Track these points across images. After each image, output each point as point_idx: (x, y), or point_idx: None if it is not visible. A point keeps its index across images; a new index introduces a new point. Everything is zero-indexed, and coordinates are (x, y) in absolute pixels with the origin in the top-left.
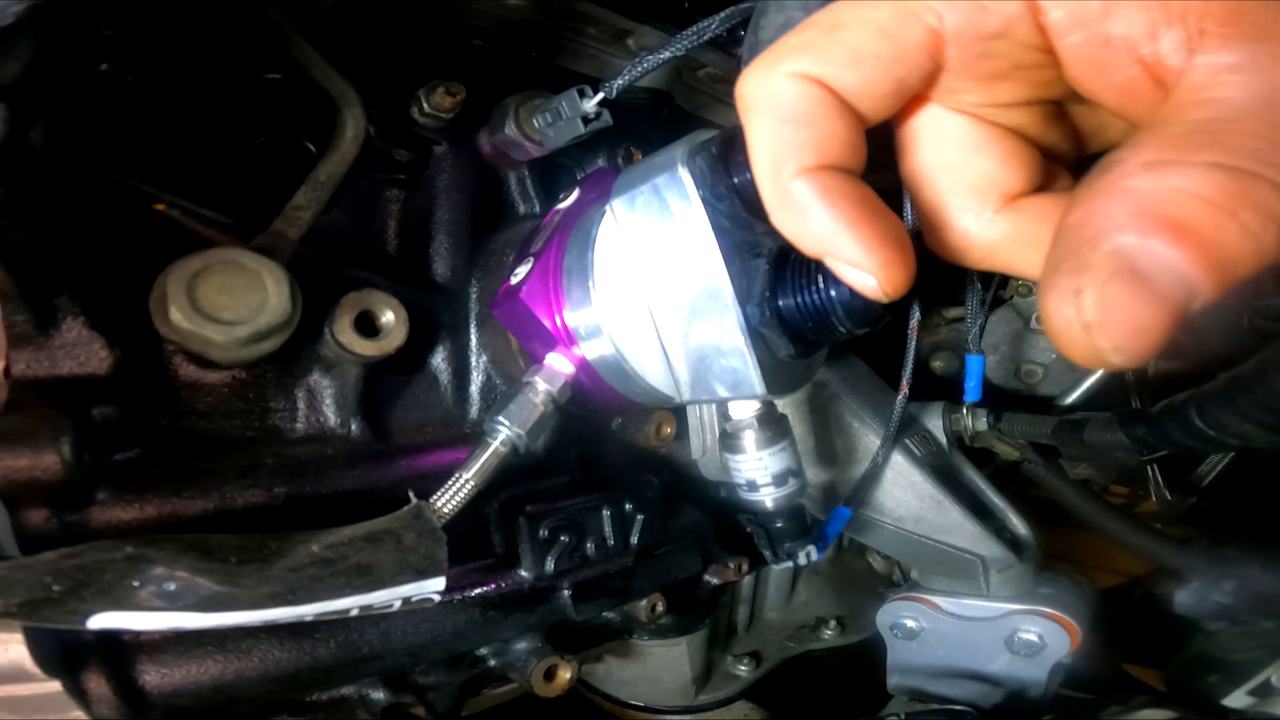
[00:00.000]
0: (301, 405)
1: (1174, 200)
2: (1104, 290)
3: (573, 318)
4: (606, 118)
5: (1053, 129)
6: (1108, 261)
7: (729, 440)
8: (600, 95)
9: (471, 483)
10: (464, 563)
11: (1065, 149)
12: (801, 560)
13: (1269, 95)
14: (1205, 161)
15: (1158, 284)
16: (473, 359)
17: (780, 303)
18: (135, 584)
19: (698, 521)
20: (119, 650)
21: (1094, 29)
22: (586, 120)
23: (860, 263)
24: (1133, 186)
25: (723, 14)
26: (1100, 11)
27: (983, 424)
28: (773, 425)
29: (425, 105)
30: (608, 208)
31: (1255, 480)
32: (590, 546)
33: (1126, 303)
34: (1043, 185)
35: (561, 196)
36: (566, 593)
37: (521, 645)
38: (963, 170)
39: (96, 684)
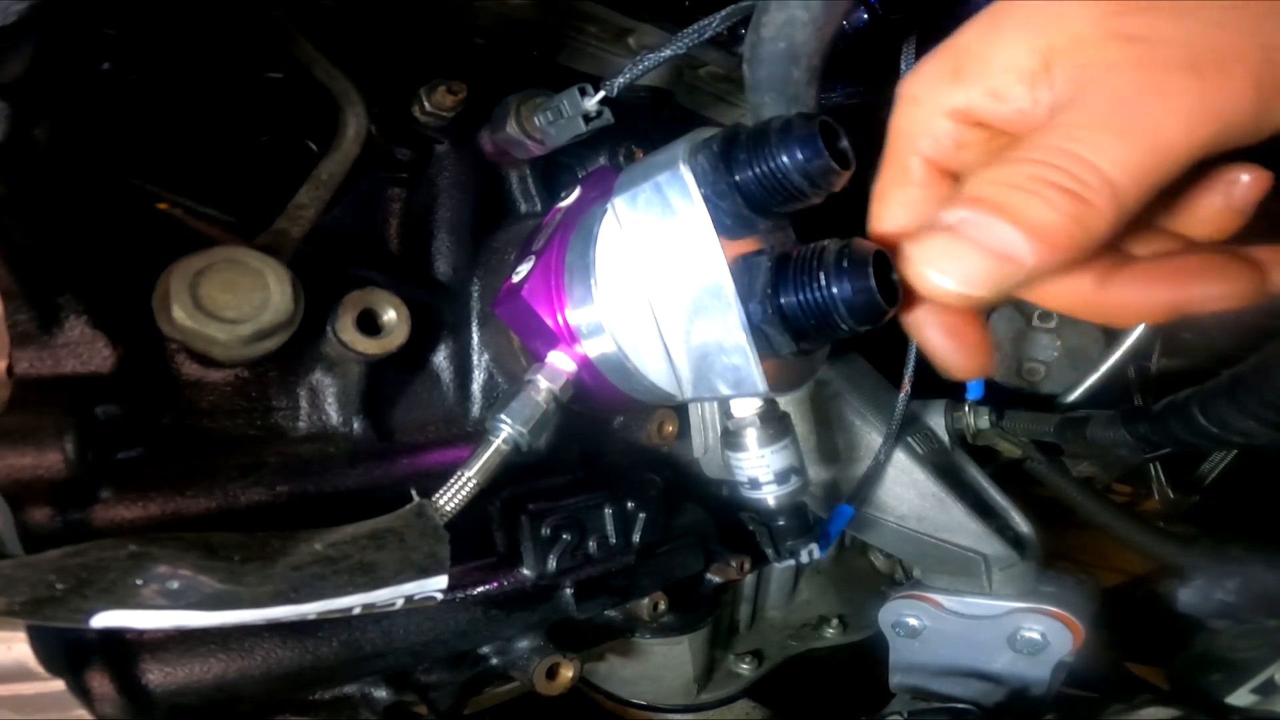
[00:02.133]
0: (304, 404)
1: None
2: (934, 241)
3: (574, 316)
4: (608, 116)
5: None
6: (938, 225)
7: (731, 438)
8: (601, 94)
9: (474, 481)
10: (466, 561)
11: None
12: (804, 558)
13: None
14: (1020, 159)
15: (975, 237)
16: (475, 357)
17: (782, 300)
18: (138, 582)
19: (700, 520)
20: (122, 649)
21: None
22: (588, 119)
23: None
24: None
25: (724, 12)
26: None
27: (985, 422)
28: (775, 423)
29: (427, 104)
30: (609, 206)
31: (1258, 478)
32: (592, 545)
33: (947, 246)
34: None
35: (563, 195)
36: (568, 591)
37: (523, 644)
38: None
39: (100, 683)
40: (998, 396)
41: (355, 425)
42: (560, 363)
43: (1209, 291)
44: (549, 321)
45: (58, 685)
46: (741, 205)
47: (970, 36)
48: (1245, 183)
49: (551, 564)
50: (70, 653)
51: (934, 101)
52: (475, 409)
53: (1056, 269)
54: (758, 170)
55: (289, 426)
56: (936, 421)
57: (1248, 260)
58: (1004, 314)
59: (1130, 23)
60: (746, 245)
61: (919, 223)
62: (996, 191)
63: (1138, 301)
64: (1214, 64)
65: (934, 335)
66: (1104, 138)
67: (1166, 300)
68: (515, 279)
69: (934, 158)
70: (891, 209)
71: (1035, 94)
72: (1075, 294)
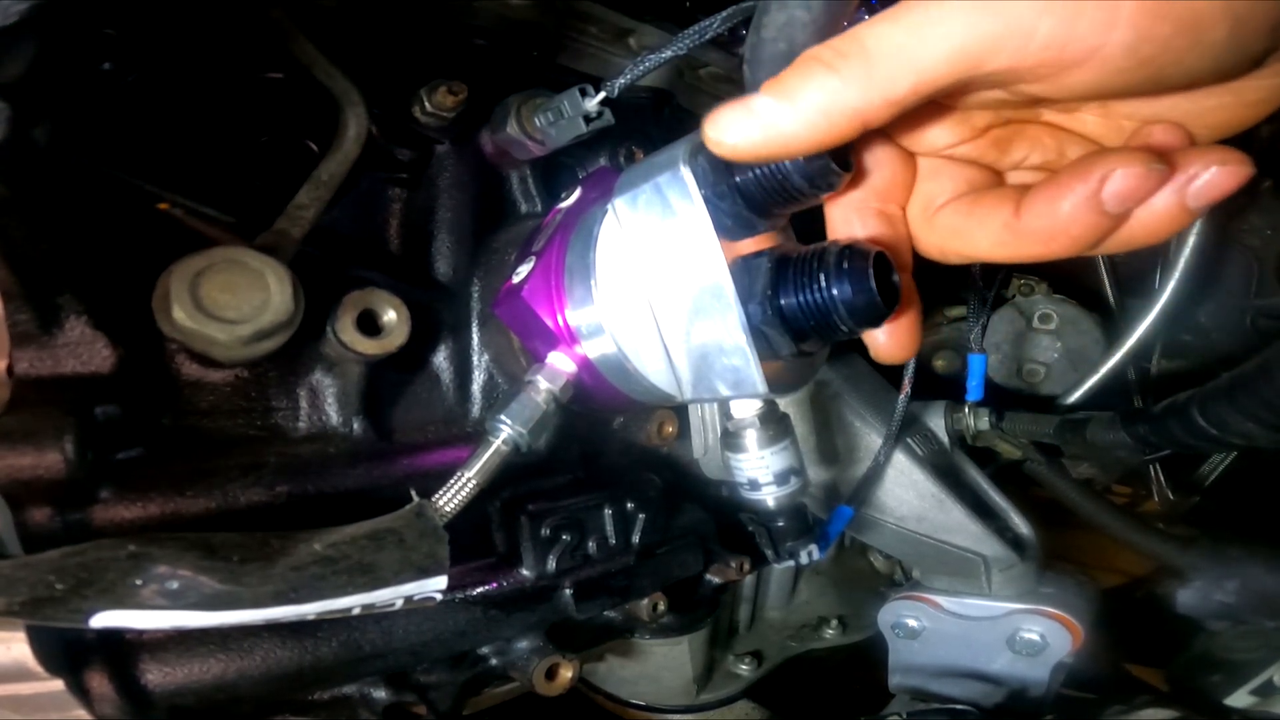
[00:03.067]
0: (304, 404)
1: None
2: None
3: (575, 316)
4: (608, 117)
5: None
6: None
7: (731, 439)
8: (602, 94)
9: (473, 481)
10: (466, 561)
11: None
12: (803, 559)
13: None
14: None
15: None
16: (475, 358)
17: (782, 301)
18: (138, 582)
19: (699, 520)
20: (121, 649)
21: None
22: (588, 119)
23: None
24: None
25: (724, 13)
26: None
27: (985, 423)
28: (774, 424)
29: (427, 104)
30: (609, 207)
31: (1257, 480)
32: (592, 545)
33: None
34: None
35: (563, 195)
36: (568, 591)
37: (523, 644)
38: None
39: (99, 683)
40: (997, 398)
41: (355, 426)
42: (560, 363)
43: (1124, 186)
44: (549, 322)
45: (57, 685)
46: (742, 206)
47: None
48: (1207, 180)
49: (551, 564)
50: (69, 653)
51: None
52: (475, 409)
53: (806, 137)
54: (757, 171)
55: (289, 427)
56: (936, 423)
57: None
58: (1004, 315)
59: None
60: (746, 246)
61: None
62: (787, 80)
63: (1055, 216)
64: None
65: None
66: (889, 28)
67: (1085, 206)
68: (515, 279)
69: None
70: None
71: None
72: (995, 233)
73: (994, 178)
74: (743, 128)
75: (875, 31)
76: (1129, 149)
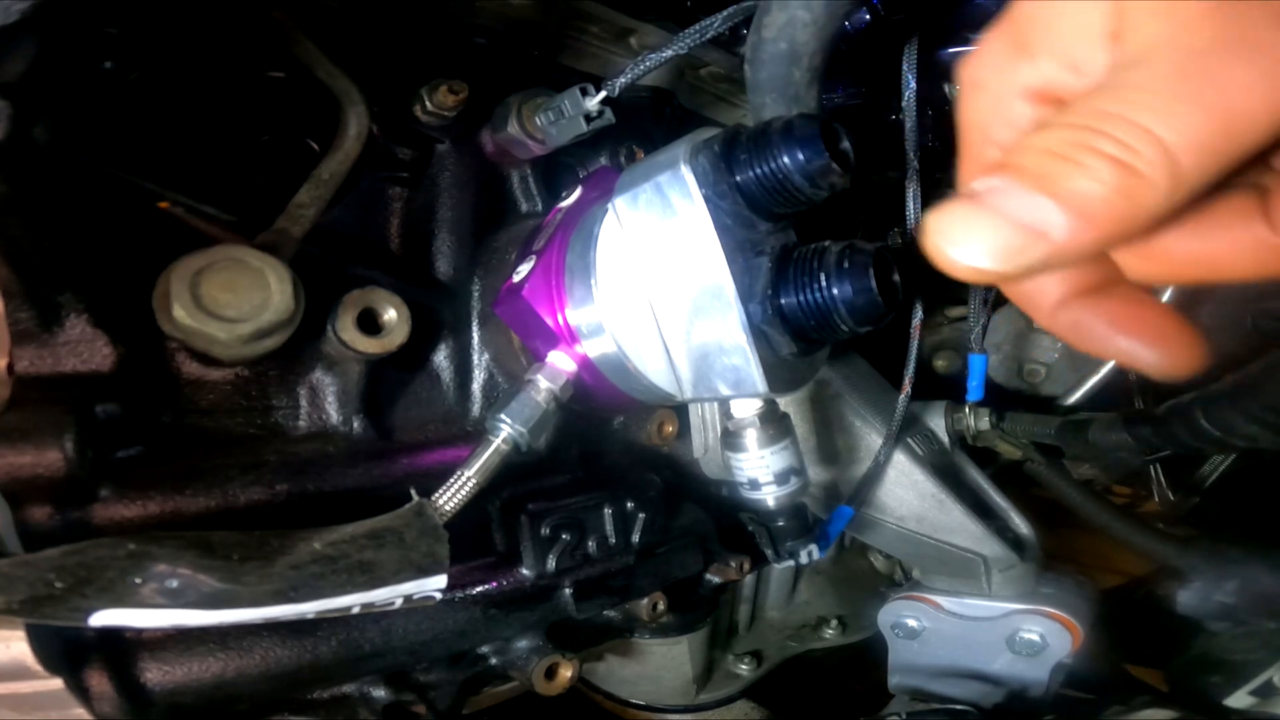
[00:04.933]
0: (304, 403)
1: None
2: (953, 210)
3: (575, 316)
4: (609, 116)
5: None
6: (962, 193)
7: (731, 438)
8: (603, 93)
9: (473, 480)
10: (465, 561)
11: None
12: (803, 559)
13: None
14: (1064, 124)
15: (1001, 207)
16: (475, 357)
17: (783, 301)
18: (137, 581)
19: (699, 520)
20: (121, 647)
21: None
22: (589, 118)
23: None
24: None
25: (725, 12)
26: None
27: (985, 423)
28: (775, 423)
29: (428, 103)
30: (610, 206)
31: (1258, 481)
32: (592, 545)
33: (968, 217)
34: None
35: (564, 195)
36: (568, 591)
37: (523, 643)
38: None
39: (98, 681)
40: (998, 398)
41: (355, 424)
42: (560, 362)
43: None
44: (549, 321)
45: (56, 684)
46: (742, 205)
47: (1030, 2)
48: None
49: (551, 564)
50: (69, 651)
51: (1001, 84)
52: (475, 408)
53: (1096, 249)
54: (758, 171)
55: (289, 425)
56: (937, 423)
57: None
58: (1005, 315)
59: None
60: (747, 245)
61: None
62: (1032, 159)
63: (1240, 242)
64: None
65: (1106, 335)
66: (1167, 100)
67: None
68: (516, 279)
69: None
70: None
71: (1115, 57)
72: (1162, 254)
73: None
74: (997, 239)
75: (1163, 107)
76: None
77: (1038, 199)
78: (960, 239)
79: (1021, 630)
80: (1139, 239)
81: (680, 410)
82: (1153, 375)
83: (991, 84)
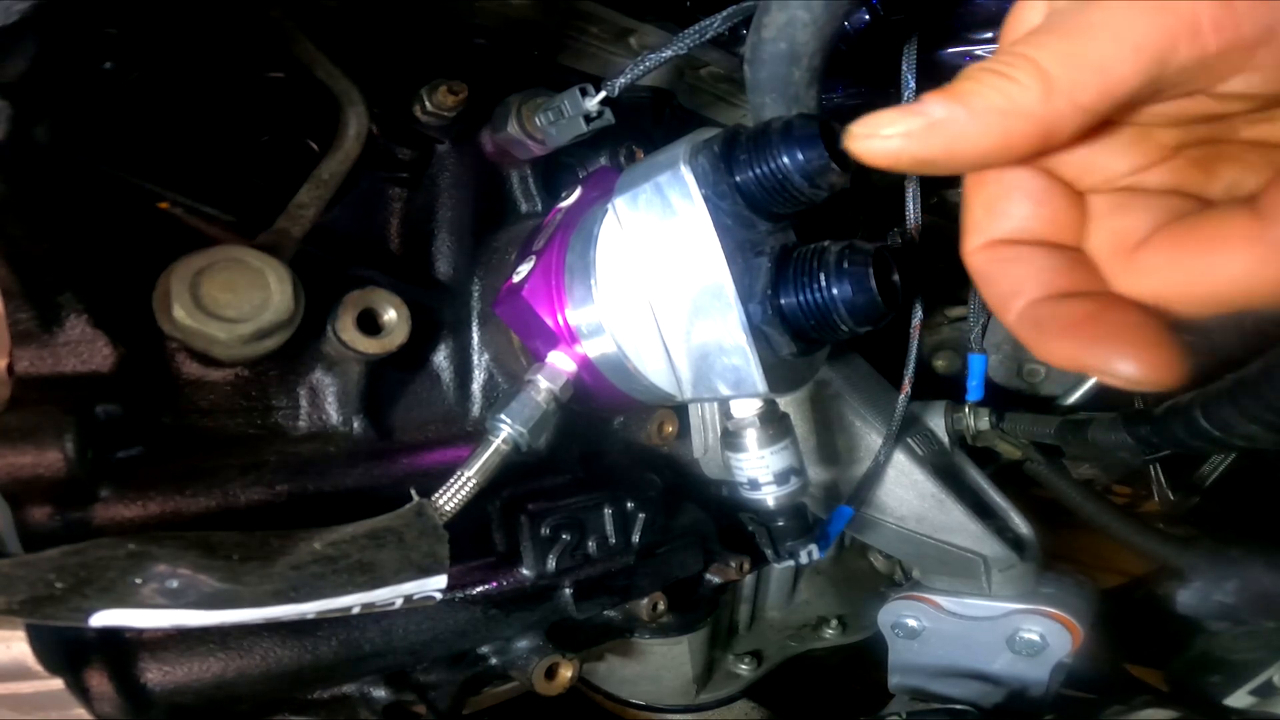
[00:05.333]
0: (304, 403)
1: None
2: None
3: (575, 316)
4: (609, 116)
5: None
6: None
7: (731, 438)
8: (602, 94)
9: (473, 481)
10: (466, 561)
11: None
12: (803, 559)
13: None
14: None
15: (913, 109)
16: (475, 357)
17: (782, 301)
18: (138, 581)
19: (699, 520)
20: (121, 648)
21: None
22: (589, 119)
23: None
24: None
25: (725, 13)
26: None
27: (985, 423)
28: (775, 423)
29: (428, 104)
30: (610, 206)
31: (1258, 480)
32: (592, 545)
33: (890, 113)
34: None
35: (564, 195)
36: (568, 591)
37: (523, 643)
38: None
39: (99, 681)
40: (998, 398)
41: (355, 425)
42: (560, 363)
43: None
44: (549, 321)
45: (56, 684)
46: (742, 205)
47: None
48: None
49: (551, 564)
50: (69, 651)
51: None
52: (475, 408)
53: (987, 144)
54: (758, 171)
55: (289, 426)
56: (936, 423)
57: None
58: None
59: None
60: (747, 245)
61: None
62: (950, 85)
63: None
64: None
65: (1061, 337)
66: (1048, 38)
67: None
68: (516, 279)
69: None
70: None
71: None
72: (1244, 252)
73: (1205, 207)
74: (906, 126)
75: (1046, 37)
76: None
77: (941, 100)
78: (877, 126)
79: (1021, 630)
80: (1038, 154)
81: (680, 410)
82: (1120, 386)
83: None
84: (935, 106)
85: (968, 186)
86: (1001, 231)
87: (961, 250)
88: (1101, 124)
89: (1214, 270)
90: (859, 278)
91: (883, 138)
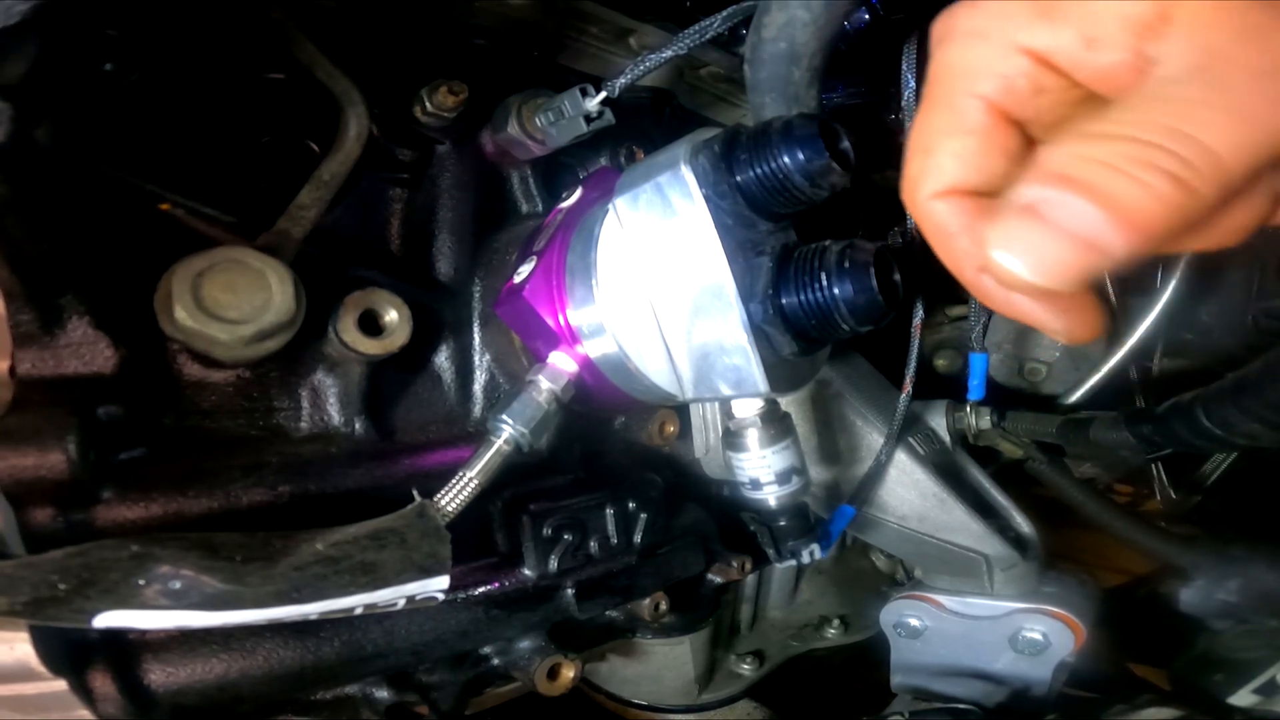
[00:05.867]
0: (306, 404)
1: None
2: (1008, 222)
3: (576, 316)
4: (609, 116)
5: None
6: (1014, 203)
7: (732, 438)
8: (603, 94)
9: (475, 481)
10: (467, 561)
11: None
12: (805, 559)
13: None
14: (1117, 134)
15: (1058, 221)
16: (476, 357)
17: (783, 300)
18: (140, 582)
19: (701, 520)
20: (124, 649)
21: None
22: (589, 119)
23: None
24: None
25: (724, 13)
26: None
27: (986, 422)
28: (776, 423)
29: (428, 104)
30: (610, 206)
31: (1260, 479)
32: (594, 545)
33: (1024, 230)
34: None
35: (564, 195)
36: (570, 591)
37: (525, 644)
38: None
39: (102, 682)
40: (999, 397)
41: (357, 425)
42: (562, 363)
43: None
44: (550, 322)
45: (60, 685)
46: (742, 205)
47: None
48: None
49: (553, 564)
50: (72, 653)
51: (1007, 37)
52: (477, 409)
53: (1140, 257)
54: (759, 170)
55: (291, 427)
56: (938, 422)
57: None
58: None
59: None
60: (748, 245)
61: (981, 180)
62: (1088, 170)
63: None
64: None
65: (1012, 296)
66: (1224, 119)
67: None
68: (517, 279)
69: (1000, 102)
70: (942, 161)
71: (1142, 48)
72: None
73: None
74: (1066, 260)
75: (1209, 124)
76: None
77: (1092, 211)
78: (1017, 251)
79: (1024, 629)
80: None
81: (681, 410)
82: (1054, 337)
83: (996, 37)
84: (1095, 221)
85: (917, 136)
86: (964, 179)
87: (910, 197)
88: None
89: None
90: (860, 277)
91: (1015, 263)
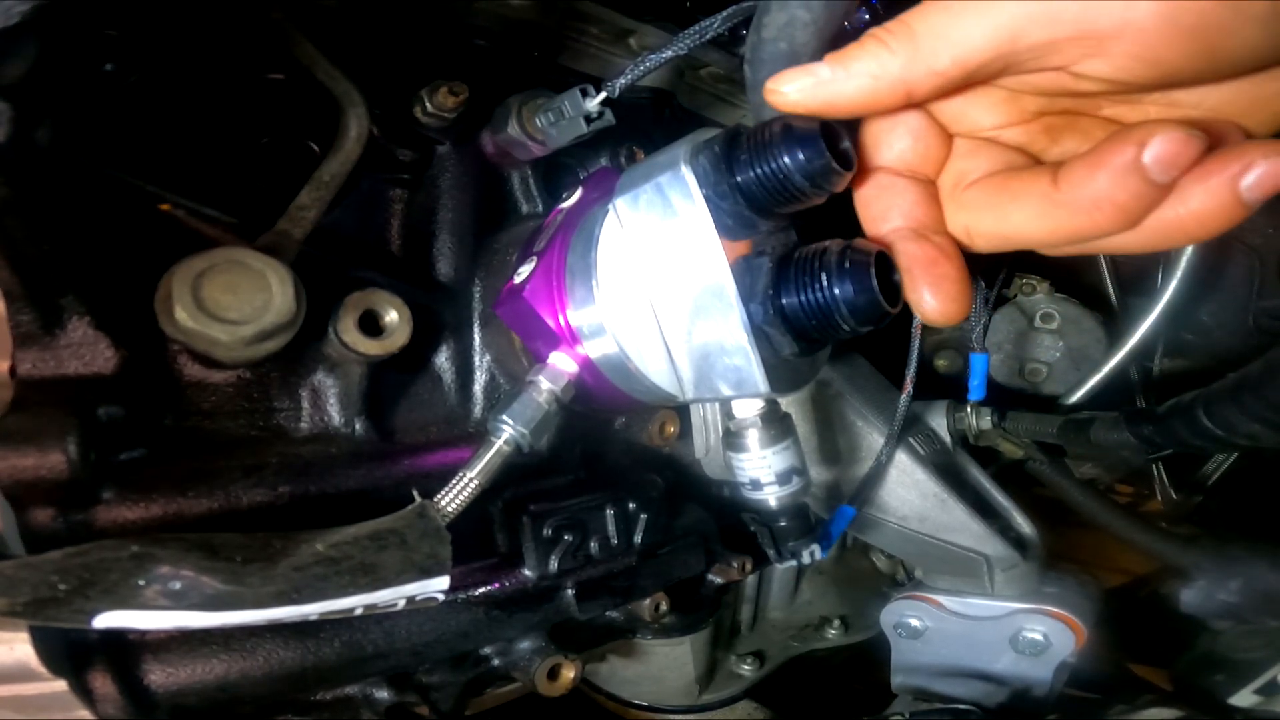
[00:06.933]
0: (306, 404)
1: None
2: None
3: (576, 316)
4: (609, 117)
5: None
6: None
7: (732, 439)
8: (603, 94)
9: (475, 482)
10: (468, 562)
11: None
12: (805, 559)
13: None
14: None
15: (808, 69)
16: (476, 358)
17: (784, 301)
18: (141, 583)
19: (701, 520)
20: (124, 649)
21: None
22: (589, 119)
23: None
24: None
25: (725, 13)
26: None
27: (987, 422)
28: (776, 424)
29: (428, 105)
30: (611, 207)
31: (1261, 479)
32: (594, 546)
33: (793, 71)
34: None
35: (564, 196)
36: (570, 592)
37: (525, 644)
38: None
39: (102, 683)
40: (1000, 397)
41: (357, 426)
42: (562, 363)
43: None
44: (550, 322)
45: (60, 686)
46: (743, 206)
47: None
48: (1264, 172)
49: (553, 565)
50: (72, 653)
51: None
52: (477, 410)
53: (861, 94)
54: (759, 171)
55: (291, 427)
56: (938, 422)
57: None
58: (1006, 314)
59: None
60: (748, 246)
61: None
62: (849, 49)
63: (1096, 184)
64: None
65: (911, 262)
66: (928, 11)
67: (1127, 171)
68: (517, 280)
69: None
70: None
71: None
72: (1033, 206)
73: (1035, 163)
74: (802, 84)
75: (921, 13)
76: (1168, 121)
77: (829, 64)
78: (781, 82)
79: (1025, 629)
80: (904, 107)
81: (682, 411)
82: (921, 317)
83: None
84: (824, 69)
85: (863, 121)
86: (883, 160)
87: None
88: (975, 83)
89: (1007, 215)
90: (861, 277)
91: (782, 93)
